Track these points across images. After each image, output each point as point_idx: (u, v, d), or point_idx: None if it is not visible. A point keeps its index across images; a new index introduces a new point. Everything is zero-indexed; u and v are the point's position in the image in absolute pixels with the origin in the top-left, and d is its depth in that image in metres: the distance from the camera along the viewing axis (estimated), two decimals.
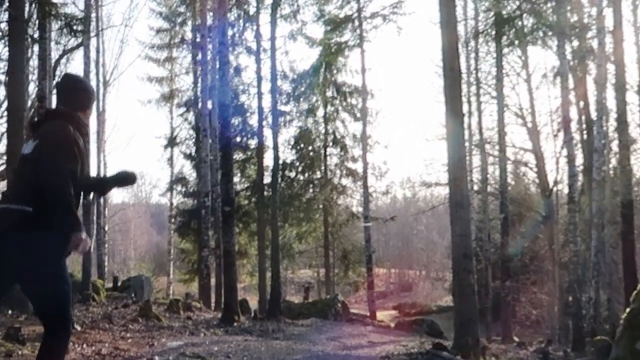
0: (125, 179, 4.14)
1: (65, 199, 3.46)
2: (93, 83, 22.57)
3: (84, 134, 3.83)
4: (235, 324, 13.96)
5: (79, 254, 3.69)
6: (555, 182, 29.63)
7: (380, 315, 26.91)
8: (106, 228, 26.86)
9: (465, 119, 20.84)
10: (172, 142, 31.72)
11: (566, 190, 28.40)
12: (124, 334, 11.01)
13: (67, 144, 3.62)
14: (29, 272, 3.59)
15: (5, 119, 16.08)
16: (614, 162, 26.73)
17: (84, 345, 9.14)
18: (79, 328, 10.49)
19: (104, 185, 4.23)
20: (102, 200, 24.42)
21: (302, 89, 28.96)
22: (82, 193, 3.85)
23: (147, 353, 9.04)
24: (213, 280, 21.43)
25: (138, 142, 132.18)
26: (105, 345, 9.38)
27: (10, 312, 10.96)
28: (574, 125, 21.82)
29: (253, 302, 23.61)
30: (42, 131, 3.72)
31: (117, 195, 64.39)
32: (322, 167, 29.92)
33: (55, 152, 3.55)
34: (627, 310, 7.23)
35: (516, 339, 21.83)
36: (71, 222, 3.51)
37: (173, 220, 32.80)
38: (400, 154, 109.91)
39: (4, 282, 3.69)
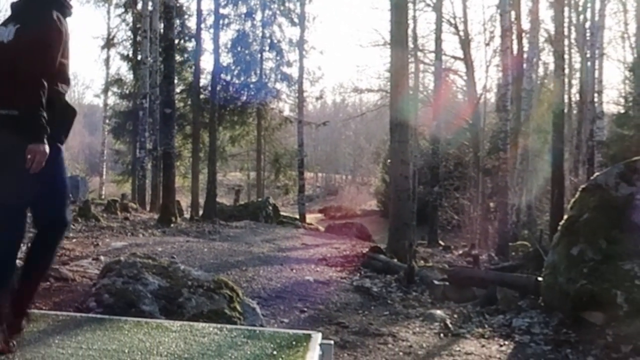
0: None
1: (34, 99, 3.09)
2: None
3: (67, 15, 3.42)
4: (172, 225, 14.14)
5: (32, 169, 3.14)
6: (485, 90, 30.32)
7: (307, 218, 27.31)
8: None
9: None
10: (109, 43, 31.06)
11: (493, 99, 29.34)
12: (66, 233, 11.04)
13: (50, 39, 3.19)
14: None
15: None
16: (541, 72, 27.59)
17: (29, 245, 9.15)
18: None
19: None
20: None
21: None
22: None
23: (92, 253, 9.16)
24: (147, 181, 21.42)
25: (75, 42, 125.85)
26: None
27: None
28: None
29: (184, 204, 23.70)
30: (26, 17, 3.26)
31: None
32: (258, 71, 29.62)
33: (37, 48, 3.13)
34: (565, 217, 7.50)
35: (442, 242, 22.57)
36: (33, 128, 3.12)
37: (108, 121, 32.49)
38: (334, 60, 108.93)
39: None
